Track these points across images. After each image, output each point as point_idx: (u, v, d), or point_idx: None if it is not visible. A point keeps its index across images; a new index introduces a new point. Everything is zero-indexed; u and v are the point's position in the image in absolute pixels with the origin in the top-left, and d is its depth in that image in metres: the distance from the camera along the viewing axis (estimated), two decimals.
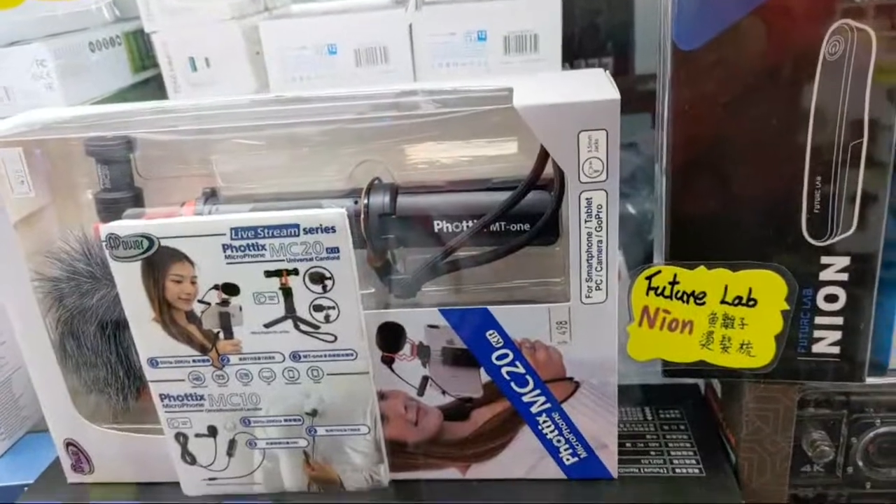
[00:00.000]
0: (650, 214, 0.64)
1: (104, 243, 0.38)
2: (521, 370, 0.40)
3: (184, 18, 0.64)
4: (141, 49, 0.70)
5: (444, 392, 0.42)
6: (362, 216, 0.40)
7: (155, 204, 0.43)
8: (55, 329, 0.42)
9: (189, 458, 0.43)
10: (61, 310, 0.42)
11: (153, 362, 0.40)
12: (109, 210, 0.43)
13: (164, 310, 0.39)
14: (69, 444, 0.45)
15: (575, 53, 0.77)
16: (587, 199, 0.36)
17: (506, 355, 0.40)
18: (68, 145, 0.43)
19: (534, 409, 0.41)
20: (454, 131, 0.41)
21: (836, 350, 0.39)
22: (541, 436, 0.42)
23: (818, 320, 0.39)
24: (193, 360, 0.40)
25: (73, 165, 0.44)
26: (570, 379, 0.40)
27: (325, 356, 0.40)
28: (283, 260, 0.37)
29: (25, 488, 0.49)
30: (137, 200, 0.43)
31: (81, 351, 0.43)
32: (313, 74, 0.61)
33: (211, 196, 0.43)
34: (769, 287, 0.38)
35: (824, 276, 0.38)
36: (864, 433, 0.43)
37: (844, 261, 0.38)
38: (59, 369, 0.43)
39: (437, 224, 0.40)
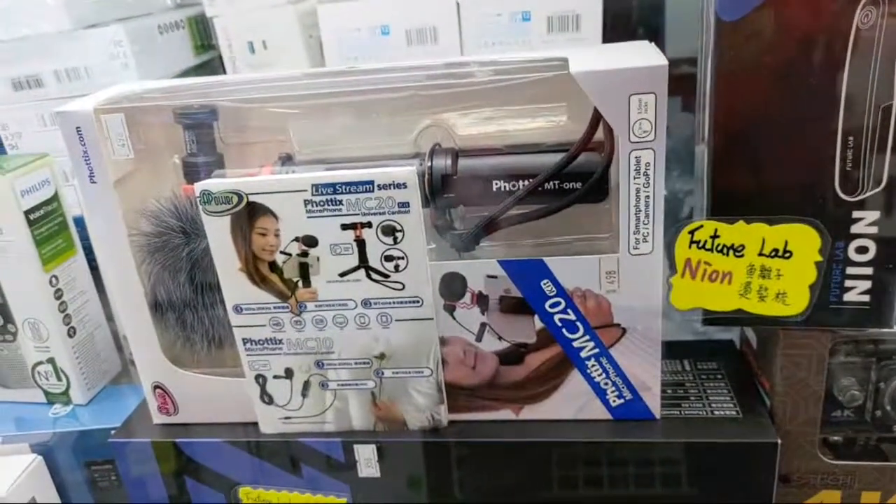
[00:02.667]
0: (681, 194, 0.68)
1: (198, 198, 0.42)
2: (573, 317, 0.44)
3: (243, 3, 0.68)
4: (201, 32, 0.74)
5: (500, 338, 0.45)
6: (426, 177, 0.44)
7: (235, 167, 0.48)
8: (147, 281, 0.47)
9: (267, 398, 0.47)
10: (153, 263, 0.46)
11: (238, 309, 0.45)
12: (194, 173, 0.47)
13: (250, 260, 0.43)
14: (157, 387, 0.50)
15: (607, 38, 0.80)
16: (636, 157, 0.40)
17: (558, 303, 0.44)
18: (156, 113, 0.47)
19: (583, 354, 0.45)
20: (510, 99, 0.45)
21: (866, 298, 0.42)
22: (589, 379, 0.46)
23: (849, 270, 0.42)
24: (274, 307, 0.44)
25: (160, 132, 0.48)
26: (618, 325, 0.44)
27: (394, 303, 0.44)
28: (358, 214, 0.41)
29: (112, 430, 0.54)
30: (220, 164, 0.47)
31: (171, 301, 0.47)
32: (367, 54, 0.64)
33: (287, 160, 0.47)
34: (804, 240, 0.41)
35: (855, 229, 0.41)
36: (891, 378, 0.46)
37: (874, 215, 0.41)
38: (150, 318, 0.47)
39: (496, 184, 0.44)
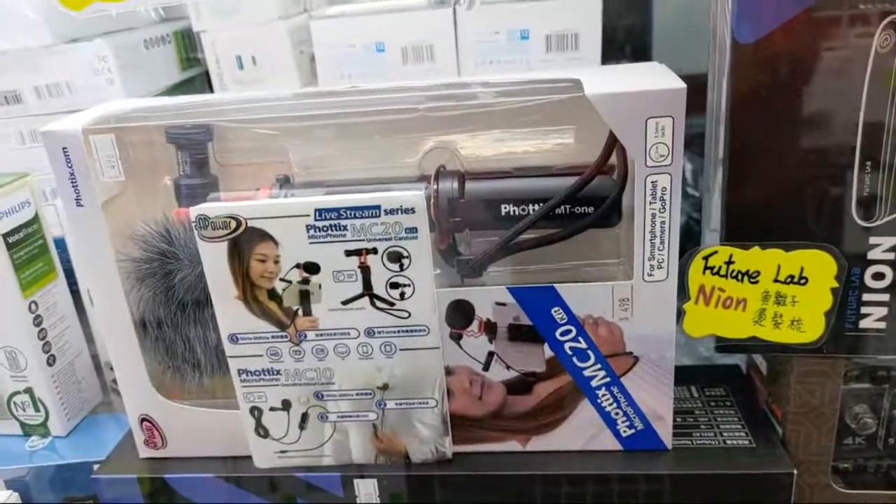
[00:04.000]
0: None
1: (194, 224, 0.40)
2: (584, 345, 0.43)
3: (232, 18, 0.67)
4: (188, 47, 0.72)
5: (508, 367, 0.44)
6: (432, 200, 0.42)
7: (229, 190, 0.45)
8: (136, 308, 0.44)
9: (262, 431, 0.45)
10: (143, 289, 0.44)
11: (234, 338, 0.43)
12: (188, 195, 0.45)
13: (247, 288, 0.41)
14: (144, 419, 0.47)
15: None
16: (653, 182, 0.39)
17: (569, 331, 0.42)
18: (146, 133, 0.45)
19: (594, 383, 0.43)
20: (518, 121, 0.43)
21: (882, 325, 0.41)
22: (599, 408, 0.44)
23: (865, 297, 0.41)
24: (272, 337, 0.42)
25: (150, 151, 0.46)
26: (630, 353, 0.43)
27: (399, 332, 0.42)
28: (363, 239, 0.40)
29: (94, 465, 0.51)
30: (214, 186, 0.45)
31: (161, 329, 0.45)
32: (362, 72, 0.63)
33: (285, 182, 0.45)
34: (820, 266, 0.41)
35: (872, 255, 0.40)
36: None
37: (891, 240, 0.40)
38: (139, 347, 0.45)
39: (504, 208, 0.42)
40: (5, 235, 0.50)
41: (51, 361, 0.54)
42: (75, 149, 0.41)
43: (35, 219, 0.53)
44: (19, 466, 0.53)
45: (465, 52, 0.62)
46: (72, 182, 0.41)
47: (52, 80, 0.59)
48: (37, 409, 0.54)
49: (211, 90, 0.69)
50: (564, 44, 0.61)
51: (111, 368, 0.58)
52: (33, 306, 0.52)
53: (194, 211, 0.40)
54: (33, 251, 0.52)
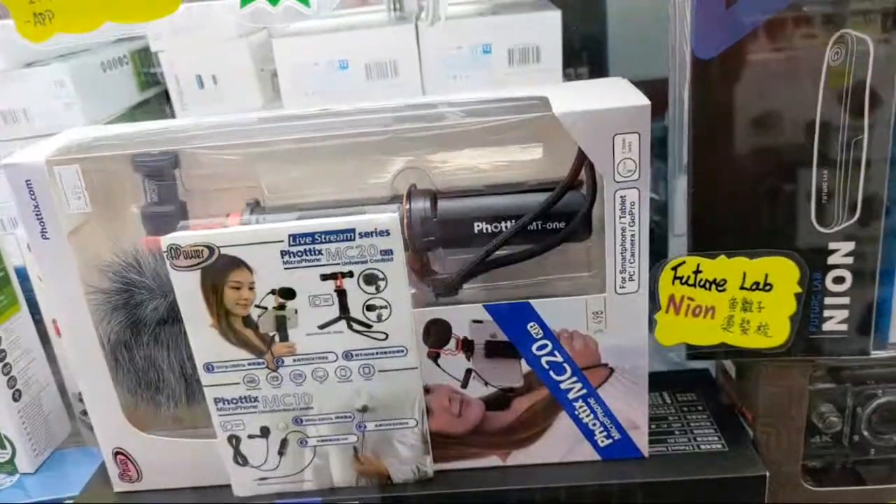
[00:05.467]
0: None
1: (165, 253, 0.39)
2: (560, 359, 0.43)
3: (191, 37, 0.66)
4: (145, 67, 0.71)
5: (486, 383, 0.44)
6: (405, 220, 0.42)
7: (198, 216, 0.45)
8: (107, 340, 0.44)
9: (241, 459, 0.45)
10: (114, 321, 0.43)
11: (209, 367, 0.42)
12: (156, 223, 0.44)
13: (222, 316, 0.41)
14: (118, 453, 0.46)
15: None
16: (621, 196, 0.39)
17: (545, 346, 0.43)
18: (111, 162, 0.44)
19: (571, 396, 0.44)
20: (487, 140, 0.44)
21: (844, 327, 0.43)
22: (577, 420, 0.45)
23: (827, 301, 0.43)
24: (248, 364, 0.42)
25: (116, 181, 0.45)
26: (605, 365, 0.43)
27: (377, 354, 0.42)
28: (338, 263, 0.40)
29: (67, 502, 0.50)
30: (183, 213, 0.45)
31: (133, 360, 0.44)
32: (325, 89, 0.63)
33: (256, 207, 0.44)
34: (783, 272, 0.42)
35: (832, 260, 0.42)
36: (868, 403, 0.47)
37: (849, 245, 0.41)
38: (111, 379, 0.44)
39: (477, 225, 0.43)
40: None
41: (16, 396, 0.52)
42: (39, 181, 0.40)
43: None
44: None
45: (428, 67, 0.63)
46: (36, 215, 0.40)
47: (7, 107, 0.58)
48: (3, 447, 0.53)
49: (171, 109, 0.68)
50: (527, 57, 0.62)
51: (80, 399, 0.57)
52: None
53: (166, 240, 0.39)
54: None
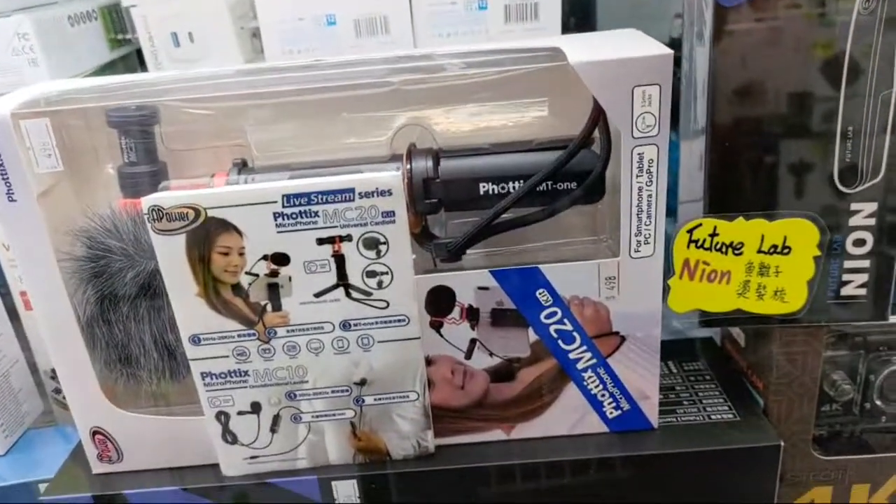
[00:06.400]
0: None
1: (146, 215, 0.36)
2: (570, 327, 0.41)
3: None
4: (116, 24, 0.66)
5: (491, 354, 0.42)
6: (406, 181, 0.40)
7: (180, 177, 0.42)
8: (83, 311, 0.40)
9: (230, 437, 0.42)
10: (90, 290, 0.40)
11: (195, 339, 0.39)
12: (134, 184, 0.41)
13: (209, 284, 0.38)
14: (96, 432, 0.43)
15: None
16: (639, 154, 0.37)
17: (555, 313, 0.41)
18: (83, 116, 0.40)
19: (580, 366, 0.42)
20: (492, 94, 0.41)
21: (863, 292, 0.41)
22: (585, 391, 0.43)
23: (847, 264, 0.41)
24: (238, 335, 0.39)
25: (89, 138, 0.41)
26: (616, 333, 0.41)
27: (377, 323, 0.39)
28: (336, 226, 0.37)
29: (41, 485, 0.47)
30: (163, 174, 0.41)
31: (111, 333, 0.41)
32: (312, 46, 0.59)
33: (243, 166, 0.41)
34: (802, 235, 0.40)
35: (853, 221, 0.40)
36: (880, 370, 0.45)
37: (872, 206, 0.40)
38: (87, 354, 0.41)
39: (483, 186, 0.40)
40: None
41: None
42: (4, 137, 0.36)
43: None
44: None
45: (420, 24, 0.59)
46: (2, 175, 0.37)
47: None
48: None
49: (144, 69, 0.64)
50: (524, 14, 0.59)
51: (52, 377, 0.53)
52: None
53: (146, 202, 0.36)
54: None
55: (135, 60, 0.69)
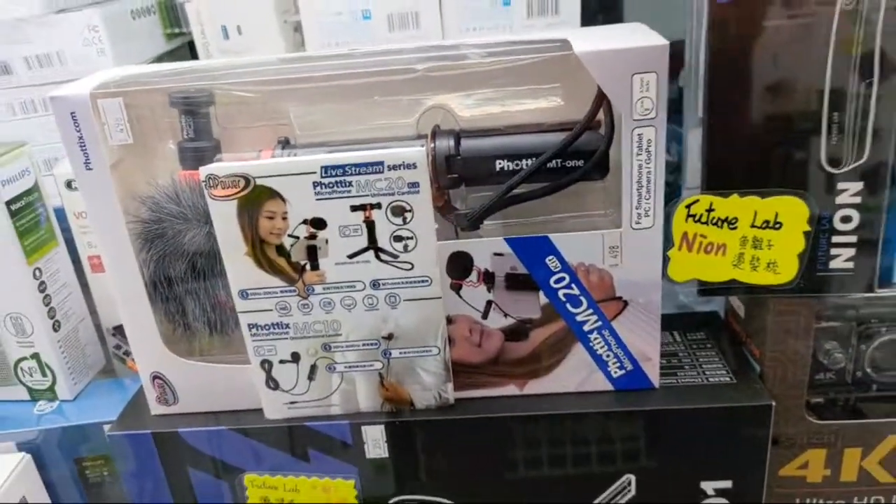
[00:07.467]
0: None
1: (203, 183, 0.41)
2: (577, 292, 0.45)
3: None
4: (171, 17, 0.72)
5: (506, 315, 0.46)
6: (430, 158, 0.44)
7: (232, 153, 0.47)
8: (147, 269, 0.46)
9: (273, 383, 0.47)
10: (153, 250, 0.45)
11: (244, 294, 0.44)
12: (192, 158, 0.46)
13: (257, 244, 0.43)
14: (156, 377, 0.49)
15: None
16: (639, 134, 0.41)
17: (563, 279, 0.45)
18: (150, 97, 0.46)
19: (586, 328, 0.46)
20: (509, 81, 0.45)
21: (850, 265, 0.45)
22: (591, 351, 0.47)
23: (835, 239, 0.44)
24: (281, 291, 0.44)
25: (153, 116, 0.47)
26: (620, 298, 0.45)
27: (403, 283, 0.44)
28: (367, 195, 0.42)
29: (104, 426, 0.53)
30: (217, 149, 0.47)
31: (171, 289, 0.46)
32: (349, 39, 0.64)
33: (287, 144, 0.46)
34: (793, 211, 0.44)
35: (840, 199, 0.43)
36: (871, 341, 0.49)
37: (858, 186, 0.43)
38: (150, 307, 0.47)
39: (499, 163, 0.44)
40: (8, 203, 0.51)
41: (56, 327, 0.55)
42: (84, 113, 0.42)
43: (35, 187, 0.54)
44: (29, 430, 0.54)
45: (449, 19, 0.64)
46: (81, 146, 0.42)
47: (42, 51, 0.59)
48: (44, 374, 0.56)
49: (196, 59, 0.70)
50: (545, 8, 0.63)
51: (113, 335, 0.60)
52: (37, 273, 0.53)
53: (204, 171, 0.41)
54: (35, 219, 0.53)
55: (187, 52, 0.75)
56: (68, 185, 0.53)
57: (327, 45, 0.65)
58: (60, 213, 0.56)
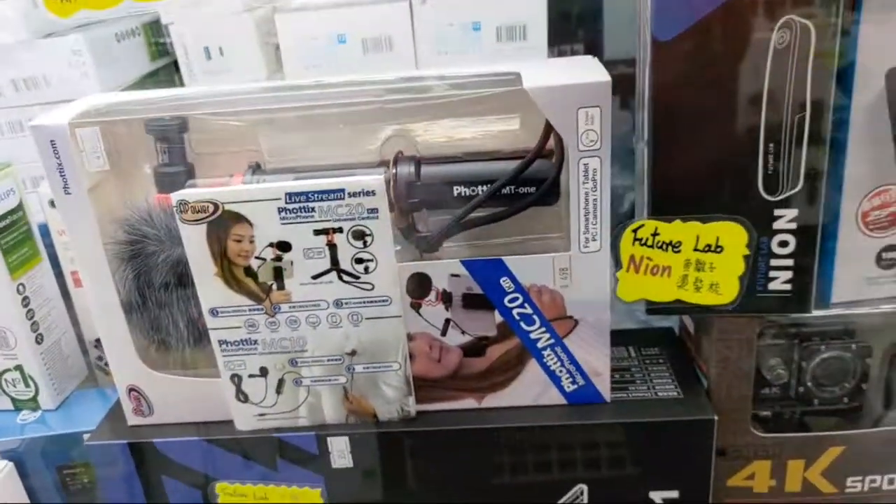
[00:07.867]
0: (621, 190, 0.72)
1: (175, 208, 0.44)
2: (530, 311, 0.48)
3: (199, 10, 0.70)
4: (156, 39, 0.75)
5: (463, 332, 0.49)
6: (391, 183, 0.47)
7: (205, 177, 0.49)
8: (123, 287, 0.48)
9: (242, 396, 0.50)
10: (128, 270, 0.48)
11: (214, 312, 0.47)
12: (166, 182, 0.49)
13: (225, 265, 0.45)
14: (132, 389, 0.51)
15: (549, 41, 0.85)
16: (584, 164, 0.44)
17: (516, 298, 0.47)
18: (127, 125, 0.48)
19: (540, 345, 0.49)
20: (467, 111, 0.48)
21: (788, 287, 0.47)
22: (545, 367, 0.49)
23: (773, 262, 0.47)
24: (249, 309, 0.47)
25: (130, 143, 0.49)
26: (571, 317, 0.48)
27: (364, 303, 0.46)
28: (329, 220, 0.44)
29: (84, 435, 0.55)
30: (191, 174, 0.49)
31: (146, 306, 0.49)
32: (324, 62, 0.67)
33: (257, 169, 0.49)
34: (733, 236, 0.46)
35: (777, 225, 0.46)
36: (812, 358, 0.51)
37: (793, 212, 0.46)
38: (126, 323, 0.49)
39: (456, 189, 0.47)
40: None
41: (39, 340, 0.58)
42: (62, 141, 0.44)
43: (20, 206, 0.56)
44: (12, 438, 0.57)
45: (422, 43, 0.67)
46: (60, 172, 0.45)
47: (29, 74, 0.62)
48: (27, 385, 0.58)
49: (180, 78, 0.72)
50: (513, 34, 0.66)
51: (95, 347, 0.62)
52: (21, 288, 0.56)
53: (175, 196, 0.44)
54: (19, 236, 0.56)
55: (171, 69, 0.77)
56: (52, 203, 0.56)
57: (304, 67, 0.68)
58: (44, 229, 0.59)
